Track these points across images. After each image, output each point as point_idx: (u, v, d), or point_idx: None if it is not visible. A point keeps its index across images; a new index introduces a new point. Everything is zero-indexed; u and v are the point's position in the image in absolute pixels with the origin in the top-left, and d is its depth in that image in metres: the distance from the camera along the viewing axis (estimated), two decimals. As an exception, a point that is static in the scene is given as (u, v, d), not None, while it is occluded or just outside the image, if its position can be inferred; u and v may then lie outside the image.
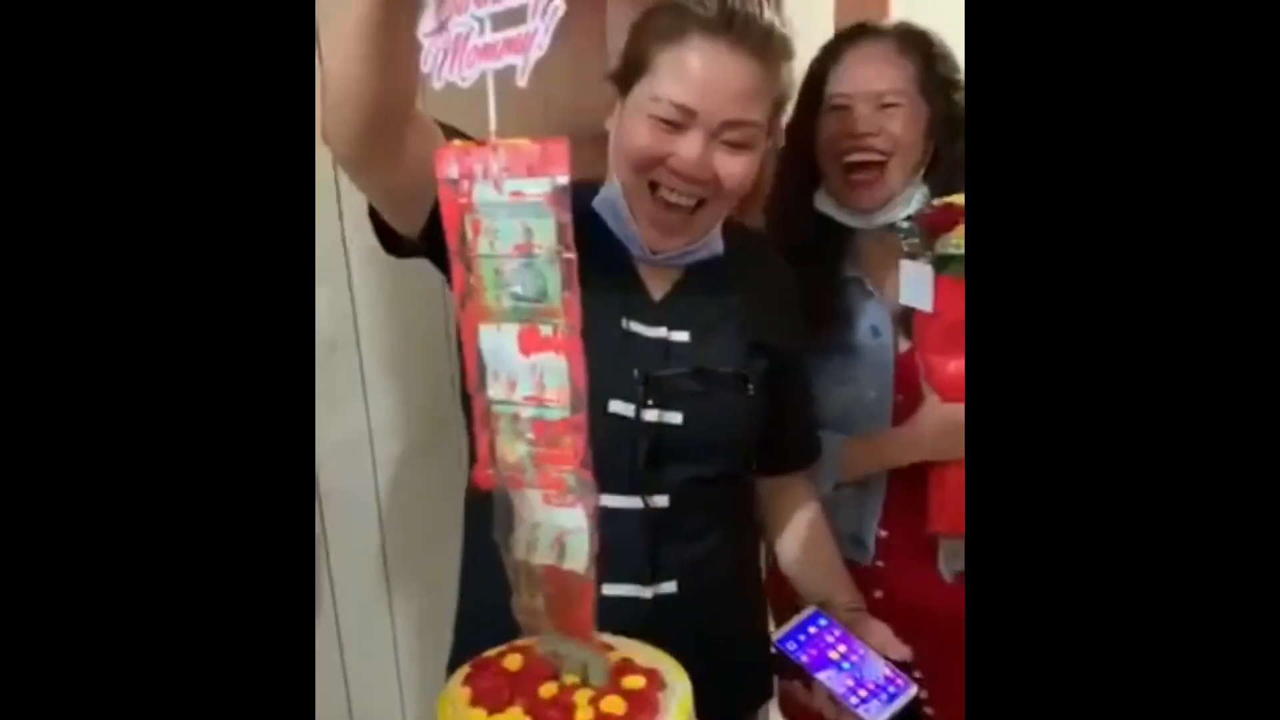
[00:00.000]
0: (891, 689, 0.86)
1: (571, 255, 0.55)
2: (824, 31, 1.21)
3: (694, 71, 0.83)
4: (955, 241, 1.00)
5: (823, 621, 0.91)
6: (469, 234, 0.57)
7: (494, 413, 0.60)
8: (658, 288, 0.93)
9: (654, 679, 0.66)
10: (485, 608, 0.79)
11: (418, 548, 1.21)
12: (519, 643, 0.70)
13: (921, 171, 1.11)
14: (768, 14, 0.85)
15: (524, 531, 0.62)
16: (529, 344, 0.57)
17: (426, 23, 0.58)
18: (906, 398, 1.13)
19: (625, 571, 0.88)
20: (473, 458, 0.65)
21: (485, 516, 0.65)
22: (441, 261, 0.63)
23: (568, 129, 0.62)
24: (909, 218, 1.04)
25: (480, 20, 0.56)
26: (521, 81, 0.54)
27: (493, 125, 0.56)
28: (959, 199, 1.00)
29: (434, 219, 0.59)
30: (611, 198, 0.91)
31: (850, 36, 1.13)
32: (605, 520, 0.60)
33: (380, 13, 0.65)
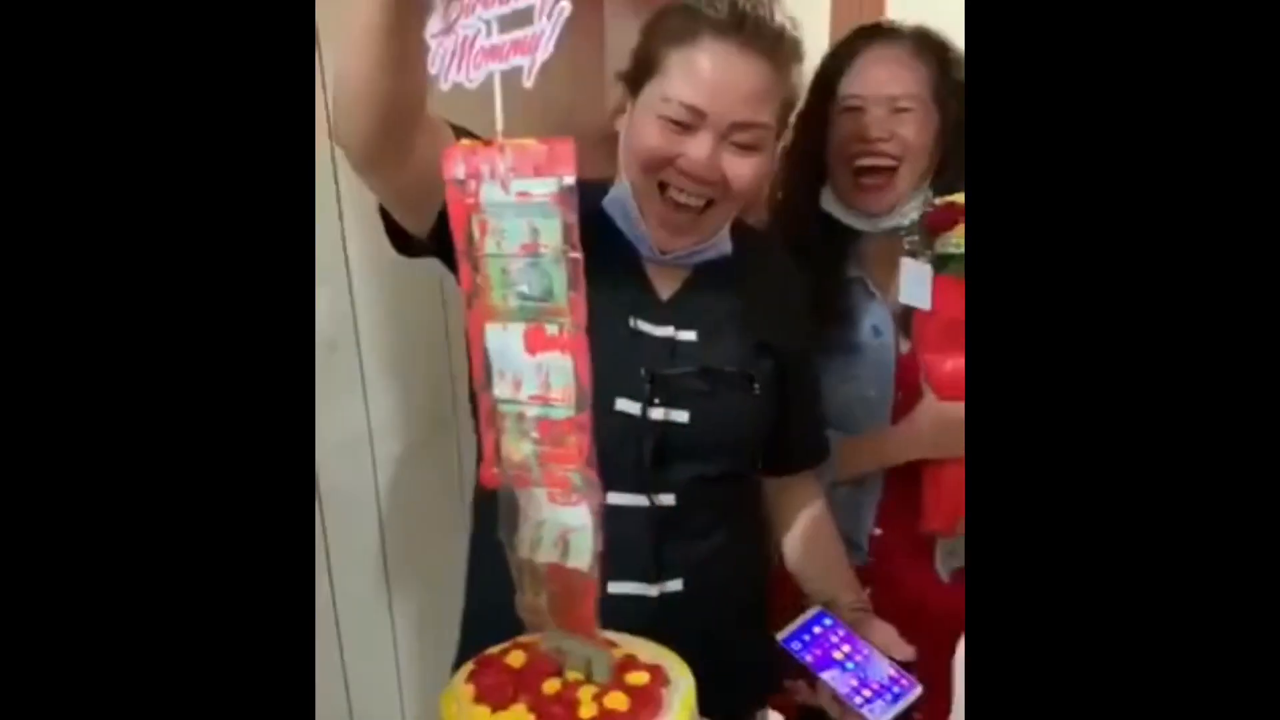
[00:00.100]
0: (896, 689, 0.86)
1: (577, 255, 0.55)
2: (819, 31, 1.21)
3: (704, 73, 0.83)
4: (955, 241, 1.01)
5: (827, 621, 0.91)
6: (476, 234, 0.57)
7: (500, 412, 0.60)
8: (666, 287, 0.93)
9: (657, 675, 0.66)
10: (491, 606, 0.80)
11: (417, 548, 1.21)
12: (522, 639, 0.71)
13: (930, 178, 1.11)
14: (778, 16, 0.86)
15: (528, 529, 0.63)
16: (535, 343, 0.57)
17: (434, 24, 0.59)
18: (906, 397, 1.13)
19: (631, 570, 0.88)
20: (480, 457, 0.65)
21: (492, 515, 0.65)
22: (451, 261, 0.63)
23: (566, 129, 0.62)
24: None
25: (487, 22, 0.56)
26: (528, 83, 0.54)
27: (499, 126, 0.56)
28: (959, 198, 1.00)
29: (443, 219, 0.60)
30: (621, 197, 0.91)
31: (866, 36, 1.12)
32: (611, 518, 0.60)
33: (390, 15, 0.65)
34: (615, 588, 0.86)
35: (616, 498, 0.87)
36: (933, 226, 1.02)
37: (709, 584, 0.92)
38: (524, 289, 0.57)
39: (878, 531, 1.17)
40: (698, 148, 0.85)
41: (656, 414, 0.88)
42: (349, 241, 1.06)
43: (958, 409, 1.06)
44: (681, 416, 0.89)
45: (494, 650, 0.71)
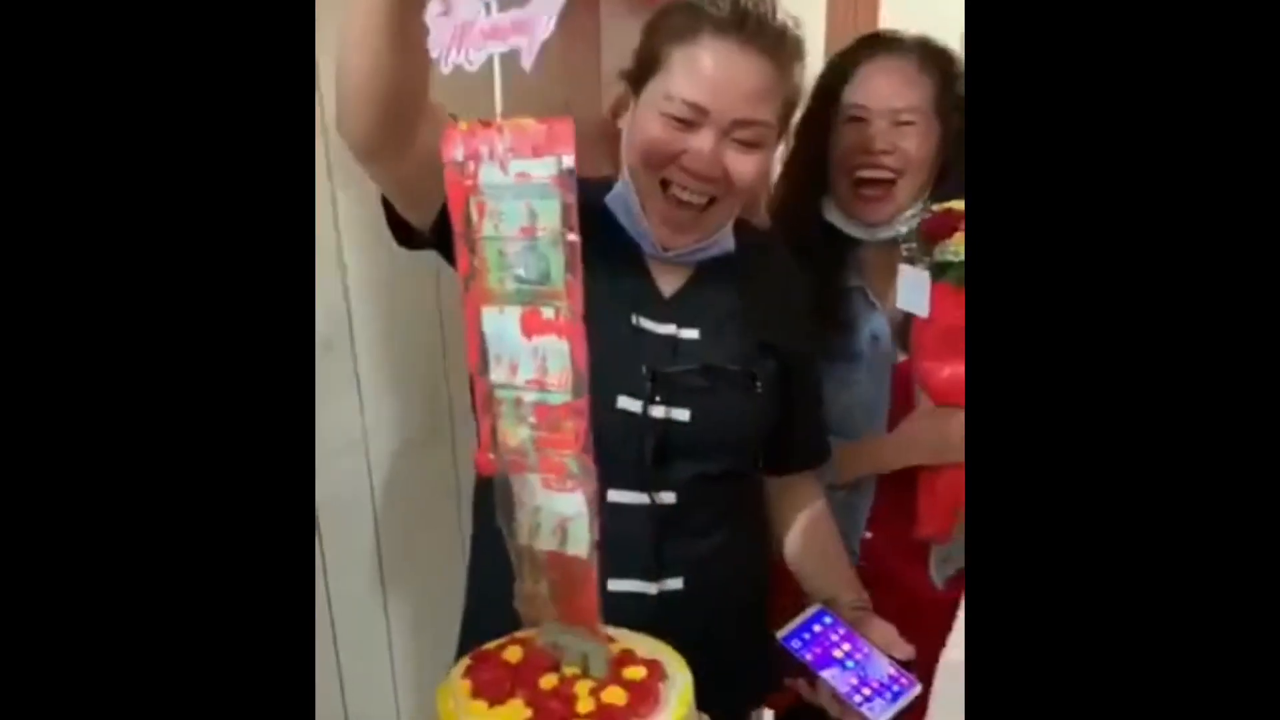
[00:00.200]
0: (895, 688, 0.85)
1: (575, 237, 0.54)
2: (814, 32, 1.22)
3: (706, 70, 0.84)
4: (954, 249, 1.01)
5: (827, 620, 0.91)
6: (474, 216, 0.57)
7: (496, 396, 0.60)
8: (668, 285, 0.93)
9: (655, 670, 0.66)
10: (492, 604, 0.79)
11: (413, 548, 1.21)
12: (519, 635, 0.70)
13: (929, 189, 1.11)
14: (780, 15, 0.86)
15: (525, 516, 0.62)
16: (531, 326, 0.57)
17: (434, 6, 0.59)
18: (902, 405, 1.14)
19: (631, 567, 0.88)
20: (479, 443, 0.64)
21: (491, 514, 0.65)
22: (451, 255, 0.63)
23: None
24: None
25: (487, 3, 0.56)
26: (527, 64, 0.54)
27: (499, 108, 0.56)
28: (958, 204, 1.00)
29: (445, 212, 0.60)
30: (623, 194, 0.92)
31: (871, 45, 1.13)
32: (611, 516, 0.60)
33: (393, 1, 0.65)
34: (615, 585, 0.86)
35: (617, 495, 0.87)
36: (931, 233, 1.02)
37: (709, 582, 0.92)
38: (521, 272, 0.56)
39: (869, 535, 1.18)
40: (700, 145, 0.85)
41: (658, 412, 0.87)
42: (344, 241, 1.06)
43: (953, 415, 1.06)
44: (683, 414, 0.88)
45: (491, 645, 0.70)
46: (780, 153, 1.07)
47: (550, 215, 0.54)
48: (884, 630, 0.92)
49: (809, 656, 0.87)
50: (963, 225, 0.99)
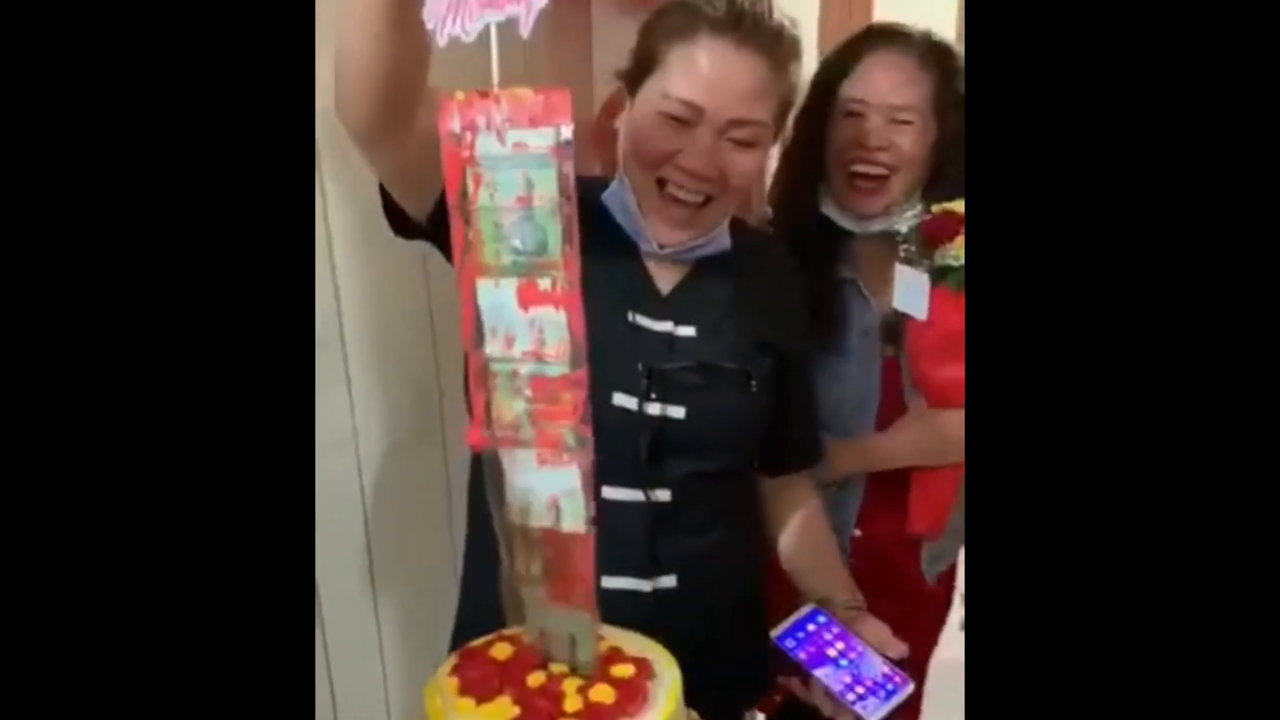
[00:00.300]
0: (889, 686, 0.84)
1: (572, 207, 0.54)
2: (808, 30, 1.22)
3: (702, 69, 0.84)
4: (954, 253, 1.01)
5: (821, 619, 0.90)
6: (470, 187, 0.56)
7: (491, 370, 0.59)
8: (665, 282, 0.93)
9: (643, 668, 0.65)
10: (487, 606, 0.77)
11: (403, 548, 1.20)
12: (507, 632, 0.69)
13: (921, 188, 1.11)
14: (777, 15, 0.86)
15: (516, 496, 0.61)
16: (528, 297, 0.56)
17: None
18: (891, 401, 1.14)
19: (625, 564, 0.87)
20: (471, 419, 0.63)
21: (488, 513, 0.64)
22: (447, 247, 0.62)
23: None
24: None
25: (483, -29, 0.55)
26: (526, 31, 0.54)
27: (495, 78, 0.56)
28: (958, 206, 1.00)
29: (443, 201, 0.60)
30: (620, 192, 0.92)
31: (874, 38, 1.12)
32: (606, 512, 0.59)
33: None
34: (610, 582, 0.85)
35: (612, 492, 0.86)
36: (931, 236, 1.02)
37: (704, 580, 0.91)
38: (517, 243, 0.56)
39: (858, 533, 1.18)
40: (696, 144, 0.85)
41: (653, 409, 0.87)
42: (334, 238, 1.05)
43: (947, 419, 1.06)
44: (678, 412, 0.88)
45: (478, 643, 0.70)
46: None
47: (547, 184, 0.54)
48: (878, 629, 0.91)
49: (803, 655, 0.86)
50: (963, 229, 0.99)
